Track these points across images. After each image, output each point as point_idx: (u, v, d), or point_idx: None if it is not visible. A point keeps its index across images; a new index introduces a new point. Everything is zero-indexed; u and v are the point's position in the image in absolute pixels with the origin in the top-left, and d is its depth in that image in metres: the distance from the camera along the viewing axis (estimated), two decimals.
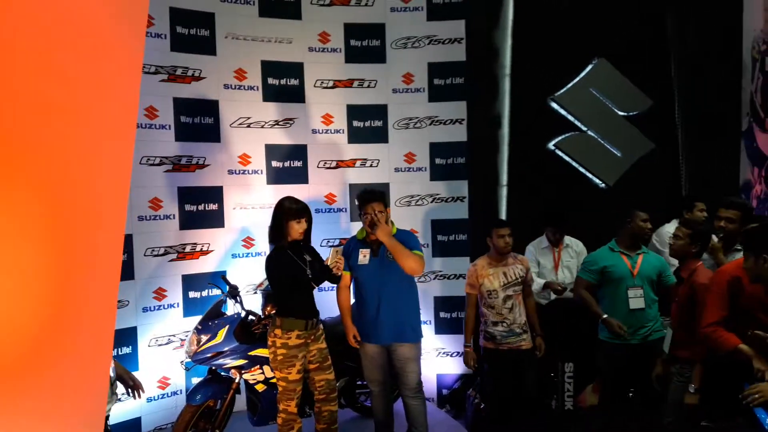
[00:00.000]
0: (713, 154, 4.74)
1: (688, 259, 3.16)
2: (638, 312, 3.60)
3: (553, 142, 4.76)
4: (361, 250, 3.49)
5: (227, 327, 3.66)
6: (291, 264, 3.23)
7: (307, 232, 3.37)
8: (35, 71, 1.31)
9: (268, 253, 4.58)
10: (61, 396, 1.53)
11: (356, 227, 4.65)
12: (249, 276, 4.49)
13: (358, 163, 4.80)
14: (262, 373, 3.72)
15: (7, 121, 1.26)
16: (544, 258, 4.31)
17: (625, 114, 4.84)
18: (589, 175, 4.79)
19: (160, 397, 4.25)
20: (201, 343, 3.63)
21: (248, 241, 4.60)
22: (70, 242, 1.46)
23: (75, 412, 1.59)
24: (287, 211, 3.28)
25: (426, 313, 4.70)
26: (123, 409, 4.03)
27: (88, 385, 1.61)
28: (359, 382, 4.14)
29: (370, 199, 3.41)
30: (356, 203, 3.54)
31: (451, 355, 4.80)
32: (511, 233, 3.70)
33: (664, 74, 4.80)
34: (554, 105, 4.77)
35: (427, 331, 4.72)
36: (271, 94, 4.64)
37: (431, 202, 4.82)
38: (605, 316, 3.63)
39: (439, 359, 4.79)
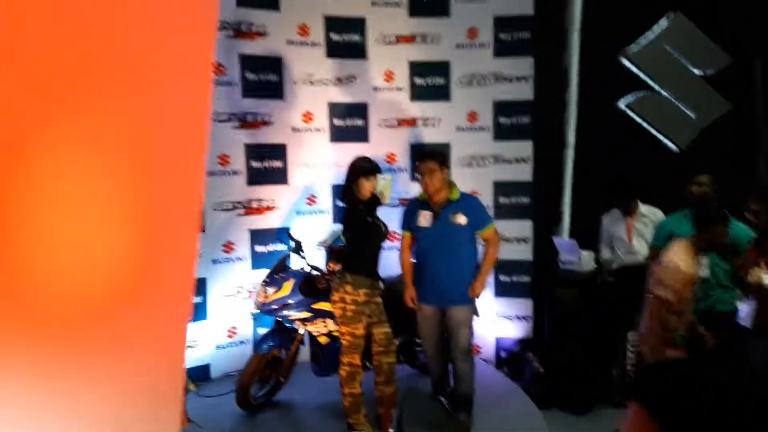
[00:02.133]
0: None
1: None
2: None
3: (624, 102, 4.58)
4: (422, 212, 3.50)
5: (293, 281, 3.78)
6: (366, 221, 3.28)
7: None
8: (117, 27, 1.35)
9: (331, 211, 4.70)
10: (146, 338, 1.64)
11: (417, 187, 4.66)
12: (313, 232, 4.59)
13: (419, 122, 4.75)
14: (326, 326, 3.84)
15: (94, 70, 1.31)
16: (616, 227, 4.20)
17: (701, 72, 4.60)
18: (661, 137, 4.61)
19: (229, 345, 4.46)
20: (268, 295, 3.77)
21: (311, 199, 4.67)
22: (155, 190, 1.54)
23: (159, 353, 1.70)
24: (359, 169, 3.32)
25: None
26: (194, 356, 4.26)
27: (171, 328, 1.72)
28: (418, 340, 4.22)
29: (424, 156, 3.44)
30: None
31: (510, 319, 4.80)
32: None
33: (744, 30, 4.51)
34: (626, 62, 4.57)
35: (487, 294, 4.73)
36: (333, 51, 4.61)
37: (494, 162, 4.72)
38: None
39: (498, 322, 4.81)
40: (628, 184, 4.16)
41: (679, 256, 2.82)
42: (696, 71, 4.61)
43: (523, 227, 4.68)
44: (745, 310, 3.22)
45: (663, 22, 4.54)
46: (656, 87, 4.60)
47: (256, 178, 4.47)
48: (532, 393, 4.02)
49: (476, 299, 3.55)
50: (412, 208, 3.59)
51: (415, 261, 3.64)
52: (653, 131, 4.60)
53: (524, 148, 4.67)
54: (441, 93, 4.72)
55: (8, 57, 1.12)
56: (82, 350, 1.42)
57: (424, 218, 3.48)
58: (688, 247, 2.87)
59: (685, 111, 4.61)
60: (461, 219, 3.43)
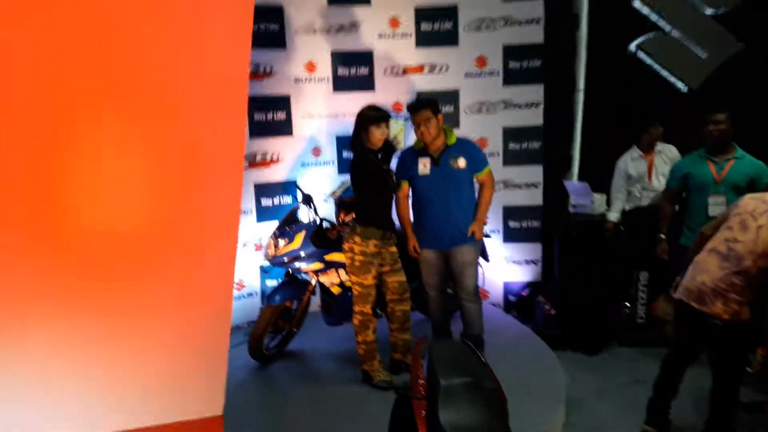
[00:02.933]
0: None
1: None
2: None
3: (635, 44, 4.47)
4: (420, 159, 3.45)
5: (304, 232, 3.73)
6: (375, 170, 3.22)
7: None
8: None
9: (336, 162, 4.63)
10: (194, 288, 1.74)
11: None
12: (320, 184, 4.52)
13: (426, 68, 4.63)
14: (338, 276, 3.81)
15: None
16: (636, 165, 4.19)
17: (713, 12, 4.47)
18: (672, 79, 4.52)
19: (237, 298, 4.44)
20: (279, 247, 3.73)
21: (317, 150, 4.59)
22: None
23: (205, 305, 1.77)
24: (367, 118, 3.24)
25: (494, 222, 4.68)
26: None
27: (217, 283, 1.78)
28: None
29: (416, 107, 3.37)
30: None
31: (518, 263, 4.80)
32: None
33: None
34: (637, 3, 4.43)
35: (496, 239, 4.72)
36: None
37: (503, 108, 4.62)
38: (662, 236, 3.78)
39: (506, 267, 4.81)
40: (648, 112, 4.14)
41: None
42: (708, 10, 4.48)
43: (534, 172, 4.63)
44: None
45: None
46: (667, 28, 4.48)
47: (260, 130, 4.38)
48: (543, 335, 4.03)
49: (482, 240, 3.53)
50: (407, 157, 3.54)
51: (413, 209, 3.60)
52: (664, 73, 4.50)
53: (535, 92, 4.57)
54: (449, 38, 4.58)
55: (65, 60, 1.38)
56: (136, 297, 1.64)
57: (424, 165, 3.44)
58: None
59: (696, 51, 4.50)
60: (461, 162, 3.41)
